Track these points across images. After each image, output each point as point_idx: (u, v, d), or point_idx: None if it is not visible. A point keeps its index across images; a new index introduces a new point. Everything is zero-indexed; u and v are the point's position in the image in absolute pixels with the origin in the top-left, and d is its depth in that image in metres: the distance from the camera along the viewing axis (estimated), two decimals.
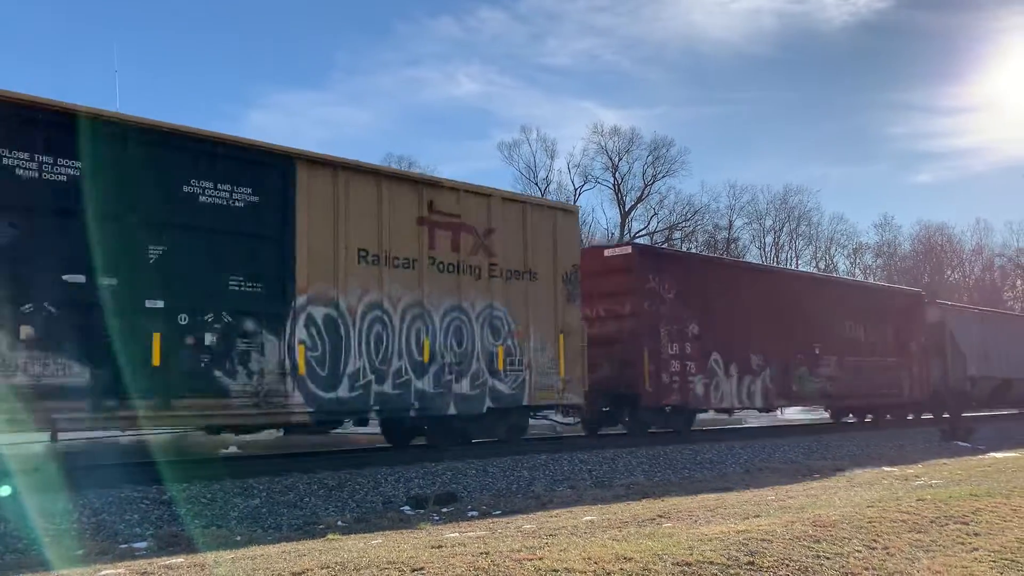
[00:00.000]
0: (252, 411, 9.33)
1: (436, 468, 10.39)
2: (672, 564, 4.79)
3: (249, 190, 9.44)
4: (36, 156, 7.97)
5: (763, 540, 5.40)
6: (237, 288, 9.25)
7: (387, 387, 10.49)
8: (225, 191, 9.27)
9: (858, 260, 61.72)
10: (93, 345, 8.12)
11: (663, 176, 53.75)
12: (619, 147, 53.98)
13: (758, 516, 6.69)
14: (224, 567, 5.06)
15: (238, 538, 7.32)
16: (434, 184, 11.60)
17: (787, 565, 4.99)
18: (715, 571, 4.77)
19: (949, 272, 62.30)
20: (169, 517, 7.73)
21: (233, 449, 14.41)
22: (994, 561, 5.48)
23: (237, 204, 9.34)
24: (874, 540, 5.72)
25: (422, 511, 8.91)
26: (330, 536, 6.88)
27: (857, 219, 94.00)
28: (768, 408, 17.82)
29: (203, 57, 76.16)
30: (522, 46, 78.91)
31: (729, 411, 17.18)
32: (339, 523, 8.19)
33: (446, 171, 65.33)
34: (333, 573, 4.61)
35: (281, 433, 15.64)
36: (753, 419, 24.73)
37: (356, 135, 75.97)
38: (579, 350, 12.79)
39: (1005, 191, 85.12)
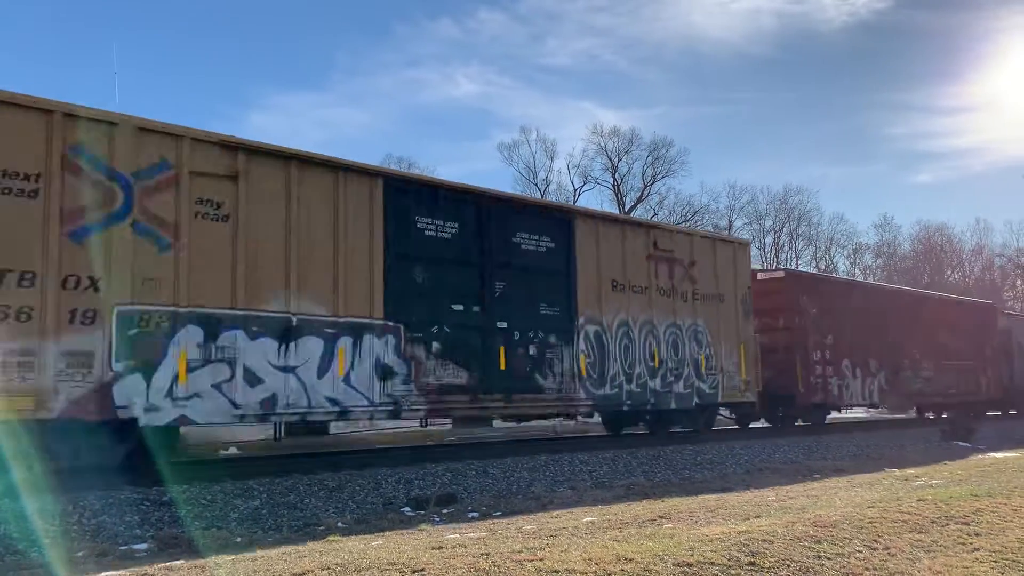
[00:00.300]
0: (556, 403, 12.69)
1: (436, 469, 10.39)
2: (673, 565, 4.79)
3: (548, 239, 12.78)
4: (435, 222, 11.35)
5: (764, 540, 5.40)
6: (545, 312, 12.57)
7: (633, 386, 13.75)
8: (535, 240, 12.65)
9: (858, 260, 61.77)
10: (469, 355, 11.43)
11: (663, 177, 53.86)
12: (619, 147, 54.08)
13: (759, 516, 6.69)
14: (224, 569, 5.06)
15: (238, 539, 7.31)
16: (657, 227, 15.29)
17: (788, 566, 4.99)
18: (716, 572, 4.77)
19: (949, 272, 62.30)
20: (169, 519, 7.73)
21: (233, 450, 14.41)
22: (995, 561, 5.47)
23: (541, 249, 12.69)
24: (875, 540, 5.72)
25: (422, 512, 8.91)
26: (330, 537, 6.88)
27: (857, 219, 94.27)
28: (881, 405, 20.80)
29: (203, 58, 76.26)
30: (521, 47, 79.02)
31: (848, 408, 20.26)
32: (339, 524, 8.18)
33: (446, 172, 65.47)
34: (334, 575, 4.61)
35: (281, 435, 15.67)
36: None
37: (355, 136, 76.08)
38: (754, 357, 16.12)
39: (1005, 191, 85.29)
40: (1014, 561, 5.50)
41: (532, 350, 12.27)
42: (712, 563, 4.86)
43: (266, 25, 78.33)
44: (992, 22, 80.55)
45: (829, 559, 5.21)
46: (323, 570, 4.68)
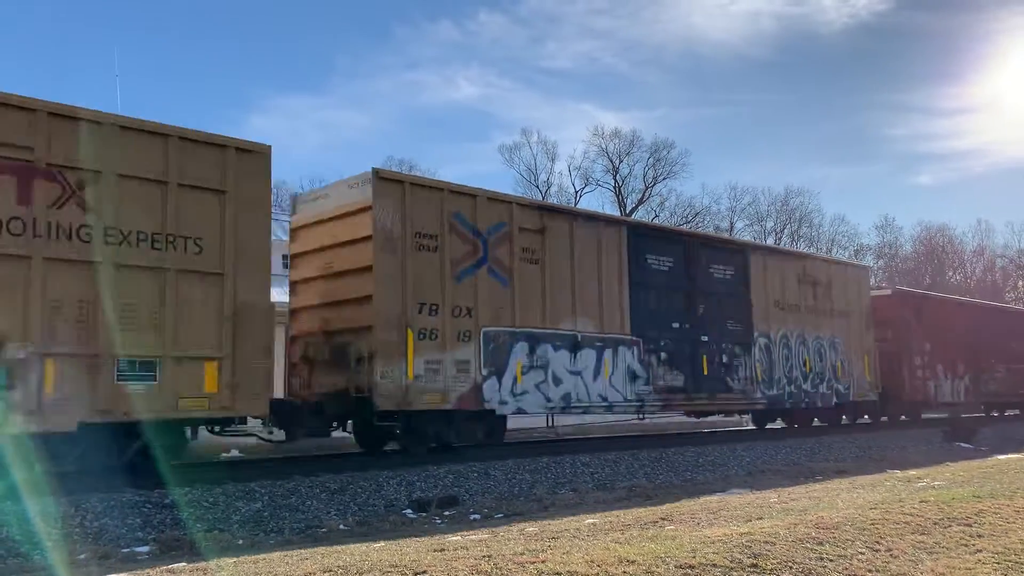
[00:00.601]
0: (741, 402, 16.24)
1: (438, 471, 10.38)
2: (675, 567, 4.79)
3: (731, 268, 16.08)
4: (658, 258, 14.62)
5: (766, 542, 5.39)
6: (731, 328, 15.81)
7: (792, 388, 16.98)
8: (722, 269, 15.89)
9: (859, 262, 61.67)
10: (683, 362, 14.64)
11: (664, 178, 53.93)
12: (620, 149, 54.14)
13: (761, 518, 6.68)
14: (226, 572, 5.06)
15: (240, 542, 7.31)
16: (807, 257, 19.74)
17: (790, 567, 4.99)
18: (718, 573, 4.76)
19: (951, 273, 62.21)
20: (171, 521, 7.72)
21: (235, 453, 14.40)
22: (997, 563, 5.47)
23: (727, 277, 15.91)
24: (877, 542, 5.71)
25: (424, 514, 8.90)
26: (332, 540, 6.87)
27: (858, 220, 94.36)
28: (966, 402, 23.57)
29: (203, 61, 76.38)
30: (521, 49, 79.09)
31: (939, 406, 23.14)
32: (341, 527, 8.18)
33: (447, 174, 65.45)
34: None
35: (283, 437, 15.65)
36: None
37: (356, 138, 76.16)
38: (874, 363, 19.51)
39: (1006, 192, 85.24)
40: (1016, 563, 5.50)
41: (724, 358, 15.56)
42: (714, 565, 4.86)
43: (266, 28, 78.51)
44: (992, 23, 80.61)
45: (831, 561, 5.20)
46: (325, 572, 4.68)
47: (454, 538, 6.43)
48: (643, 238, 14.48)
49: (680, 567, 4.79)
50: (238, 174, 9.30)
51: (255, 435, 10.80)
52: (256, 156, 9.57)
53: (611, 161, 54.21)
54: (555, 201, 47.62)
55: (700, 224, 52.43)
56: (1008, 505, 7.20)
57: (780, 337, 16.77)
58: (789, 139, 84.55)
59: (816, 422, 19.42)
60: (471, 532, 7.01)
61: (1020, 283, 62.20)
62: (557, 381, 12.47)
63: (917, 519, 6.46)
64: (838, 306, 18.58)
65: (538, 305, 12.44)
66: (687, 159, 57.66)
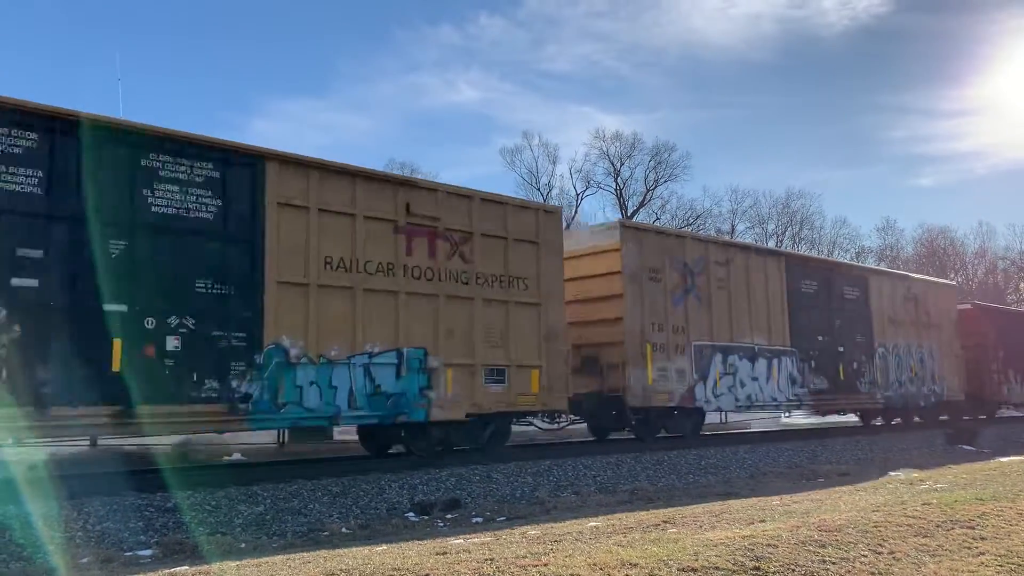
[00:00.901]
0: (867, 403, 19.17)
1: (440, 474, 10.37)
2: (678, 570, 4.79)
3: (857, 290, 19.09)
4: (806, 283, 17.70)
5: (769, 545, 5.39)
6: (858, 340, 18.71)
7: (902, 391, 19.98)
8: (850, 290, 18.89)
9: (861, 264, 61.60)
10: (827, 368, 17.70)
11: (665, 181, 53.80)
12: (621, 152, 54.05)
13: (763, 521, 6.68)
14: (229, 575, 5.06)
15: (243, 545, 7.32)
16: (909, 277, 22.31)
17: (793, 570, 4.99)
18: None
19: (952, 275, 62.07)
20: (174, 524, 7.73)
21: (237, 456, 14.41)
22: (1000, 565, 5.46)
23: (854, 297, 18.97)
24: (880, 545, 5.71)
25: (426, 517, 8.90)
26: (334, 543, 6.88)
27: (859, 223, 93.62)
28: None
29: (205, 64, 76.46)
30: (522, 52, 79.12)
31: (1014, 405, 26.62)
32: (343, 530, 8.18)
33: (448, 176, 65.50)
34: None
35: (285, 439, 15.71)
36: (759, 424, 24.69)
37: (357, 142, 76.15)
38: (961, 366, 22.54)
39: (1007, 194, 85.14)
40: (1020, 565, 5.49)
41: (855, 365, 18.53)
42: (717, 568, 4.86)
43: (267, 32, 78.59)
44: (992, 25, 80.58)
45: (834, 563, 5.20)
46: None
47: (456, 541, 6.43)
48: (796, 267, 17.72)
49: (683, 570, 4.79)
50: (545, 229, 12.55)
51: (535, 425, 14.37)
52: (554, 215, 13.03)
53: (612, 164, 54.16)
54: (555, 203, 47.65)
55: (702, 227, 52.41)
56: (1011, 507, 7.19)
57: (892, 347, 19.89)
58: (790, 141, 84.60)
59: (917, 419, 22.00)
60: (473, 535, 7.01)
61: (1022, 285, 62.14)
62: (742, 384, 15.64)
63: (920, 521, 6.45)
64: (933, 320, 21.55)
65: (727, 323, 15.47)
66: (688, 162, 57.70)
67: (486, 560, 5.02)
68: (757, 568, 4.93)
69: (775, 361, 16.39)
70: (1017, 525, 6.58)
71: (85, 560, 6.63)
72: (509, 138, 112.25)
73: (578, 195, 53.95)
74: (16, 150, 7.88)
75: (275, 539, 7.78)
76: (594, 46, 78.17)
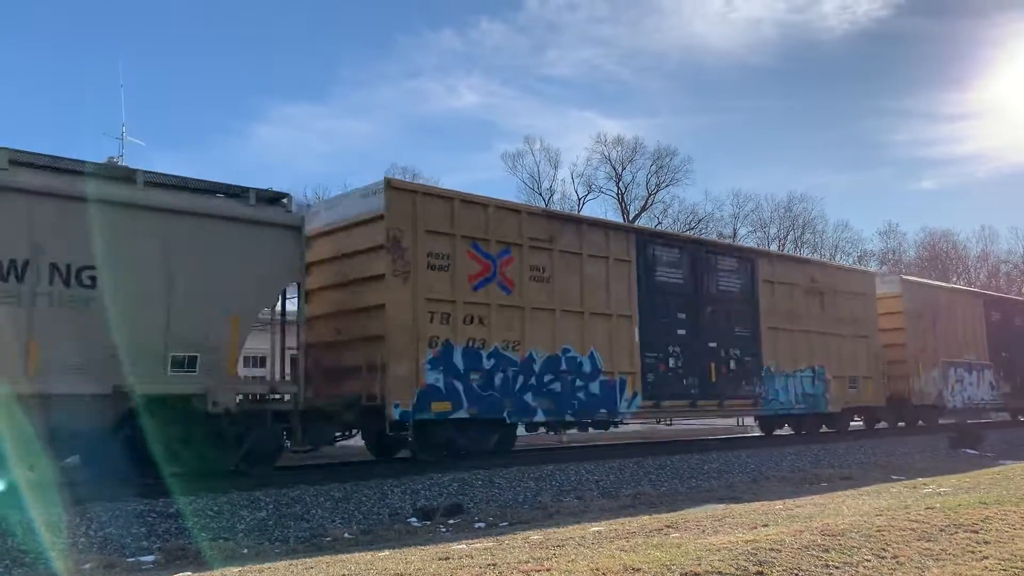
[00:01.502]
0: (1019, 402, 24.87)
1: (442, 479, 10.36)
2: (680, 574, 4.78)
3: (998, 314, 24.49)
4: (994, 313, 24.36)
5: (772, 549, 5.38)
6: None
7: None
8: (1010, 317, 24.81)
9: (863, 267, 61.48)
10: (1010, 377, 24.31)
11: (667, 185, 53.97)
12: (622, 156, 54.20)
13: (766, 525, 6.66)
14: None
15: (245, 551, 7.32)
16: (988, 296, 25.86)
17: (796, 575, 4.98)
18: None
19: (955, 279, 62.01)
20: (176, 530, 7.73)
21: None
22: (1004, 570, 5.44)
23: (999, 319, 24.51)
24: (883, 549, 5.69)
25: (429, 523, 8.90)
26: (337, 548, 6.87)
27: (861, 226, 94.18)
28: None
29: (208, 72, 76.68)
30: (523, 57, 79.28)
31: None
32: (346, 535, 8.18)
33: (449, 181, 65.64)
34: None
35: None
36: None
37: (360, 147, 76.30)
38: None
39: (1009, 197, 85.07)
40: (1023, 569, 5.47)
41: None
42: (720, 572, 4.85)
43: (269, 39, 78.82)
44: (993, 28, 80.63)
45: (837, 568, 5.19)
46: None
47: (459, 546, 6.42)
48: (995, 303, 24.54)
49: (686, 575, 4.78)
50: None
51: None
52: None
53: (614, 168, 54.30)
54: (558, 208, 47.68)
55: (704, 231, 52.42)
56: (1014, 511, 7.17)
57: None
58: (791, 145, 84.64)
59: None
60: (476, 540, 7.00)
61: None
62: (968, 388, 22.08)
63: (923, 526, 6.44)
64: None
65: (956, 344, 21.92)
66: (690, 166, 57.78)
67: (489, 565, 5.01)
68: (760, 573, 4.92)
69: (980, 372, 22.59)
70: (1021, 529, 6.56)
71: (88, 566, 6.63)
72: (511, 143, 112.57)
73: (580, 200, 54.05)
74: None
75: (277, 545, 7.77)
76: (595, 51, 78.36)
